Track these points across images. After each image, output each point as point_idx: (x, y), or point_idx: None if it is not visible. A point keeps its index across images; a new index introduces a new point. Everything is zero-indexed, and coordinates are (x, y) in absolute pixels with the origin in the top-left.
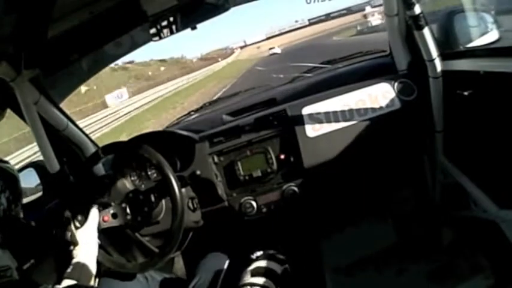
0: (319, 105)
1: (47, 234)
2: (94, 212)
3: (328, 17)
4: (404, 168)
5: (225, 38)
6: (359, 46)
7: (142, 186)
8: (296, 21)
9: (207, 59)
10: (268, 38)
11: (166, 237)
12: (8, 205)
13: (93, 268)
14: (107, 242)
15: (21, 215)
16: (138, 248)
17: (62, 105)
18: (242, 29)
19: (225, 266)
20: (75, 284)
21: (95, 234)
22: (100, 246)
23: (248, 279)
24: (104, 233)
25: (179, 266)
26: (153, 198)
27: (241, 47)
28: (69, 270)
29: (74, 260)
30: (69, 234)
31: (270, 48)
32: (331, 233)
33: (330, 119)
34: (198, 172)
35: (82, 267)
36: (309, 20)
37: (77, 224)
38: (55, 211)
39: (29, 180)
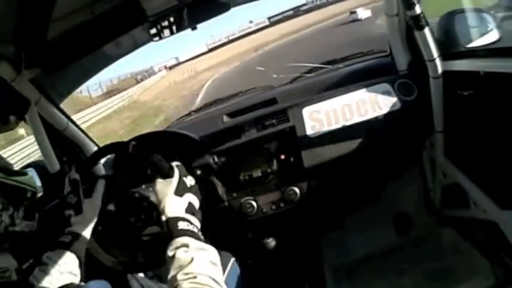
0: (320, 105)
1: (47, 235)
2: (100, 184)
3: (298, 11)
4: (404, 169)
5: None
6: None
7: (143, 186)
8: (251, 22)
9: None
10: (211, 50)
11: (166, 237)
12: (11, 221)
13: (87, 241)
14: (107, 242)
15: (34, 227)
16: (138, 248)
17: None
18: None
19: (228, 267)
20: (69, 284)
21: (98, 206)
22: (100, 246)
23: None
24: (104, 232)
25: None
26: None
27: (170, 67)
28: (66, 239)
29: (73, 229)
30: (75, 199)
31: (352, 13)
32: (331, 233)
33: (330, 119)
34: (198, 172)
35: (80, 238)
36: (268, 18)
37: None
38: (55, 211)
39: None
